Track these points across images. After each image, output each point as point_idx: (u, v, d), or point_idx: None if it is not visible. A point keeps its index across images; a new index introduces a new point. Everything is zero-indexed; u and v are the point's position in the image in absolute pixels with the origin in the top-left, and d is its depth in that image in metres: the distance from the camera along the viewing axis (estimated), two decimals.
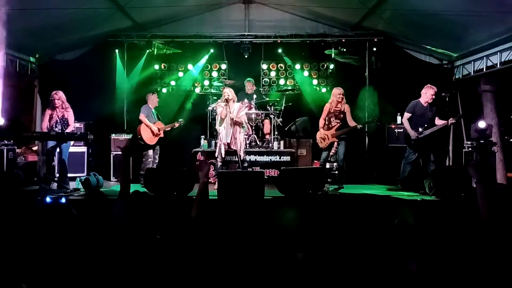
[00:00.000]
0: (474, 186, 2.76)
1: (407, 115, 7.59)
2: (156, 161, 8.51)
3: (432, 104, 7.51)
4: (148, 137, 8.31)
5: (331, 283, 2.54)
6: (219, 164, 7.73)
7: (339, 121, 7.71)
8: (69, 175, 7.74)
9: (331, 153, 8.16)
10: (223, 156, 7.64)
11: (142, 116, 8.33)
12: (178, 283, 2.43)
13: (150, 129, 8.32)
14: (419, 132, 7.41)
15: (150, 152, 8.39)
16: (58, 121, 7.55)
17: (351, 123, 7.68)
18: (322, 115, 7.90)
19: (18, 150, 8.72)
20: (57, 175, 7.75)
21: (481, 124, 8.09)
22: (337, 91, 7.79)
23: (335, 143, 7.81)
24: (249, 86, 9.55)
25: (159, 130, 8.41)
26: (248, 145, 8.51)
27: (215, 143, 8.98)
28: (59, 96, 7.54)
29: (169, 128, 8.64)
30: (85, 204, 3.22)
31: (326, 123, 7.83)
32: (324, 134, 7.80)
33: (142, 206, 2.88)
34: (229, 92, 7.53)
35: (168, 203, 6.31)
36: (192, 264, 2.54)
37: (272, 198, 6.74)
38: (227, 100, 7.42)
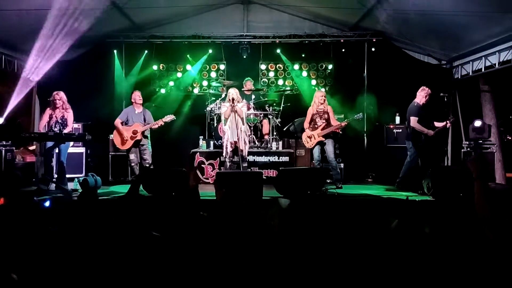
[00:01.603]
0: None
1: (416, 118, 7.46)
2: (148, 161, 8.05)
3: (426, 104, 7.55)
4: (118, 142, 8.01)
5: (330, 284, 2.53)
6: (228, 164, 7.76)
7: (324, 121, 7.86)
8: (67, 175, 7.71)
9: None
10: (229, 155, 7.70)
11: (116, 121, 8.03)
12: (174, 283, 2.42)
13: (121, 134, 7.97)
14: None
15: (132, 156, 7.99)
16: (58, 121, 7.54)
17: (334, 122, 7.84)
18: (306, 119, 8.02)
19: (16, 153, 8.67)
20: (56, 175, 7.71)
21: (477, 123, 8.14)
22: (319, 94, 8.00)
23: (323, 142, 7.85)
24: (248, 86, 9.54)
25: (134, 132, 7.92)
26: None
27: (214, 144, 9.01)
28: (60, 97, 7.53)
29: (157, 126, 8.04)
30: (77, 204, 3.22)
31: (311, 125, 7.96)
32: (311, 133, 7.92)
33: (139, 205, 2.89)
34: (234, 92, 7.60)
35: (166, 203, 6.29)
36: (189, 263, 2.53)
37: (270, 199, 6.73)
38: (232, 100, 7.46)
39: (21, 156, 9.20)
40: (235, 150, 7.65)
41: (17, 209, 2.94)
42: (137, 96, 8.17)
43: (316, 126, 7.89)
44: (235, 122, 7.53)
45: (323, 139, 7.84)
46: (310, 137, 7.96)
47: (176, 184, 6.76)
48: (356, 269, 2.58)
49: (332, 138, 7.89)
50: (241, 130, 7.55)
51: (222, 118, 7.81)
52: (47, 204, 3.70)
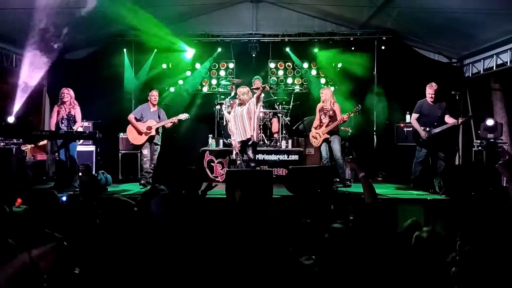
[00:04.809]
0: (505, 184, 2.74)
1: (414, 115, 7.57)
2: (154, 162, 8.06)
3: (441, 101, 7.46)
4: (133, 137, 8.04)
5: (338, 283, 2.52)
6: (238, 162, 7.72)
7: (329, 118, 7.72)
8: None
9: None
10: (238, 149, 7.61)
11: (130, 116, 8.06)
12: (183, 281, 2.44)
13: (136, 129, 8.00)
14: (427, 131, 7.36)
15: (145, 151, 8.01)
16: (65, 117, 7.56)
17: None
18: (316, 117, 7.94)
19: (22, 147, 8.67)
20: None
21: (489, 122, 8.06)
22: (326, 91, 7.88)
23: (329, 140, 7.79)
24: (257, 84, 9.51)
25: (148, 128, 7.96)
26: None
27: (223, 142, 9.02)
28: (69, 92, 7.58)
29: (171, 124, 8.10)
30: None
31: (319, 122, 7.88)
32: (315, 132, 7.87)
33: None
34: (240, 93, 7.44)
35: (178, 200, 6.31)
36: (201, 262, 2.54)
37: (280, 197, 6.73)
38: (239, 99, 7.42)
39: (31, 154, 9.26)
40: (243, 148, 7.56)
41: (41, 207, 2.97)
42: (152, 96, 8.18)
43: (321, 124, 7.81)
44: (235, 123, 7.44)
45: (328, 136, 7.74)
46: (315, 137, 7.90)
47: (187, 182, 6.77)
48: (367, 267, 2.57)
49: (337, 134, 7.74)
50: (244, 128, 7.34)
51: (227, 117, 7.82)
52: (64, 198, 3.74)
